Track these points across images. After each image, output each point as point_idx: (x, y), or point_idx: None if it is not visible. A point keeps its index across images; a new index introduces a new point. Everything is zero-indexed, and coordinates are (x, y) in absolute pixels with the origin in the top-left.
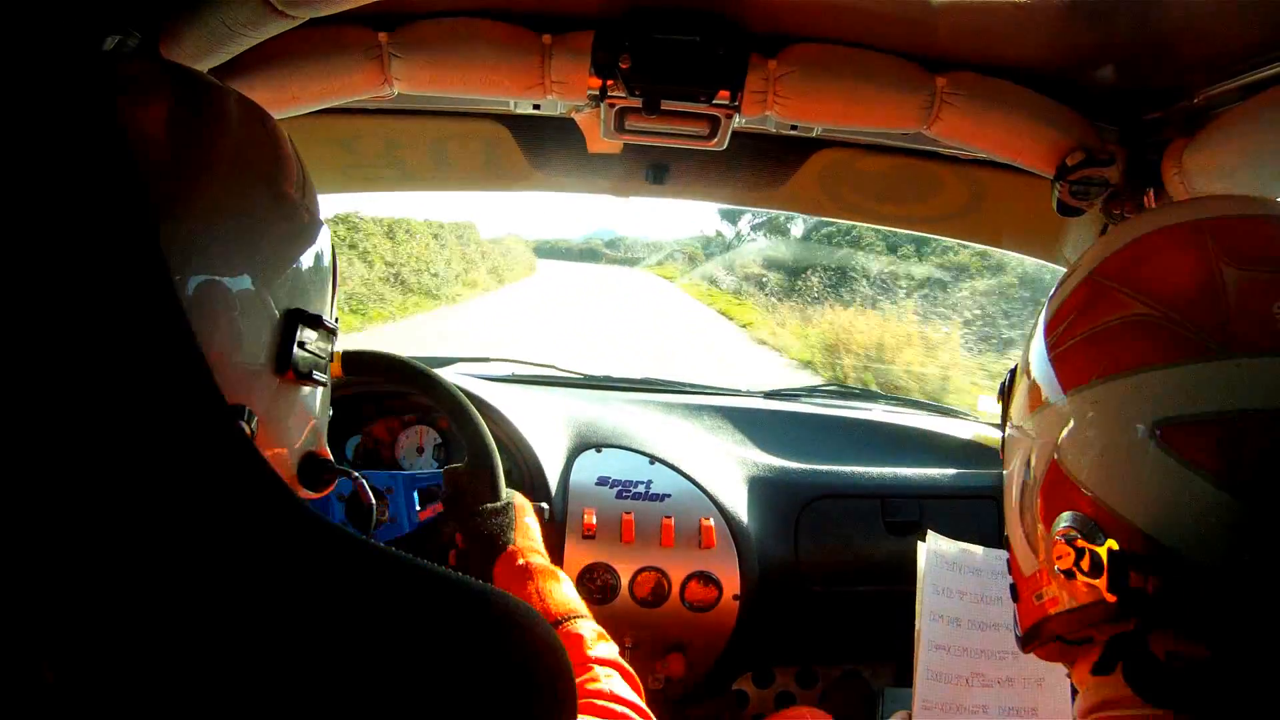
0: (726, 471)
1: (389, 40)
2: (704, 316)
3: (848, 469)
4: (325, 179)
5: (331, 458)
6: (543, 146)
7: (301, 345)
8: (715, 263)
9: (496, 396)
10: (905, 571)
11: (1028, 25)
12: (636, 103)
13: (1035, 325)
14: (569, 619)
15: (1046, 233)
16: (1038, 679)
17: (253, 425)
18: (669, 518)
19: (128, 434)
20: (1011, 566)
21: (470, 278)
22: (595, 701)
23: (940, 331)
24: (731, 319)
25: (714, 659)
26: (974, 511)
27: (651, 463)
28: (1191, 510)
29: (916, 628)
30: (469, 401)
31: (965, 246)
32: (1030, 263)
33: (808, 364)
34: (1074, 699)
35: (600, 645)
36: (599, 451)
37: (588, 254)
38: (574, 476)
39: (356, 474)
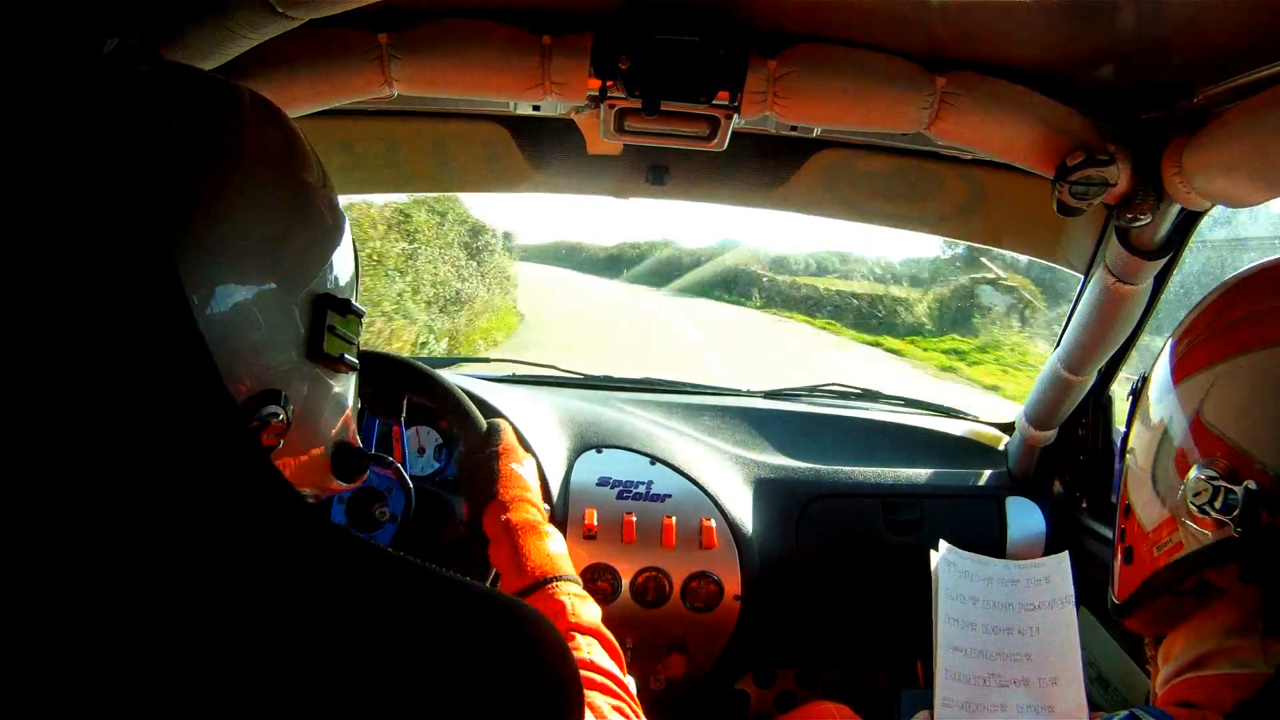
0: (727, 472)
1: (389, 41)
2: None
3: (848, 469)
4: None
5: (361, 446)
6: (542, 147)
7: (331, 329)
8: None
9: (497, 397)
10: (906, 571)
11: (1028, 25)
12: (636, 103)
13: (1178, 328)
14: (548, 581)
15: (1046, 233)
16: (1052, 678)
17: (288, 411)
18: (670, 518)
19: (134, 438)
20: (1127, 533)
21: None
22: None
23: None
24: None
25: (715, 659)
26: (974, 511)
27: (652, 463)
28: None
29: (935, 633)
30: (465, 395)
31: None
32: None
33: None
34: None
35: (583, 609)
36: (600, 452)
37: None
38: (575, 477)
39: (390, 459)
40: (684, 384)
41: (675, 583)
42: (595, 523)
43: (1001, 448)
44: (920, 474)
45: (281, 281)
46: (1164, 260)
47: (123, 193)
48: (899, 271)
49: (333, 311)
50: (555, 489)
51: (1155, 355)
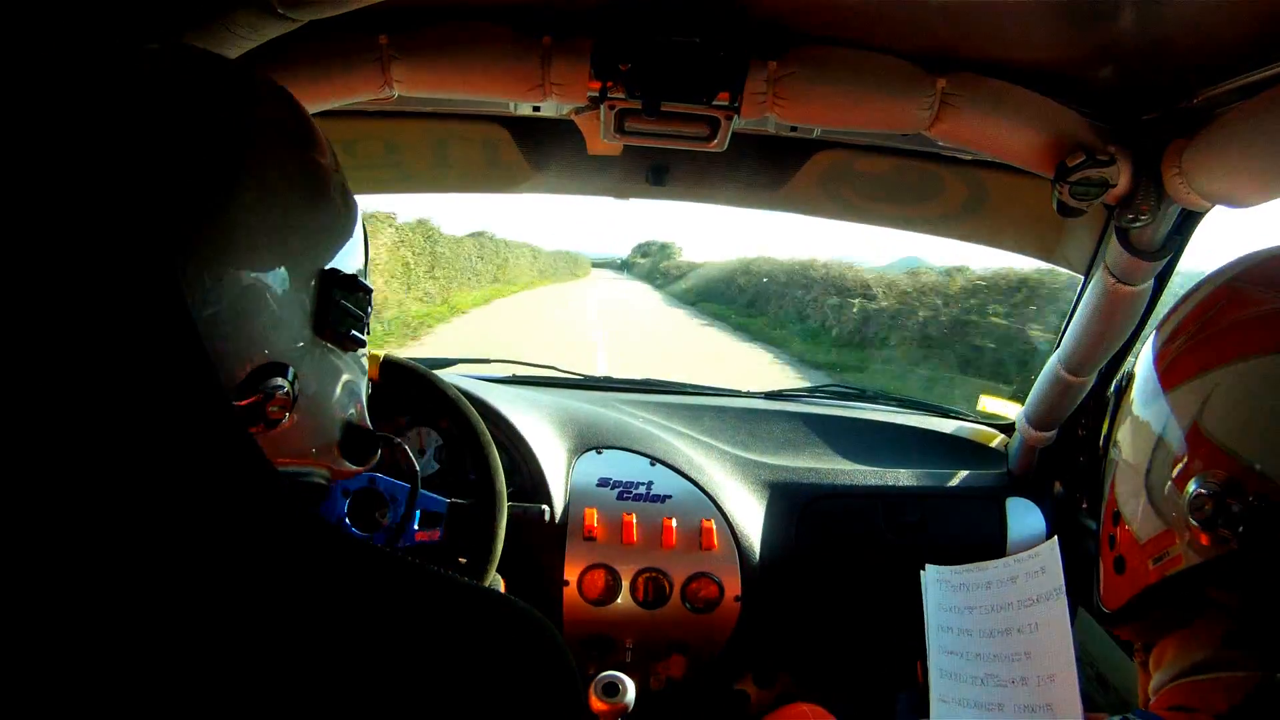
0: (727, 472)
1: (389, 42)
2: None
3: (848, 469)
4: None
5: (371, 428)
6: (542, 148)
7: (338, 304)
8: None
9: (498, 398)
10: (906, 572)
11: (1028, 26)
12: (636, 104)
13: (1164, 323)
14: None
15: (1046, 233)
16: (1049, 675)
17: (293, 385)
18: (670, 519)
19: (128, 432)
20: (1116, 540)
21: None
22: None
23: None
24: None
25: (715, 660)
26: (974, 511)
27: (652, 464)
28: None
29: (927, 646)
30: (490, 438)
31: None
32: None
33: None
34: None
35: None
36: (600, 453)
37: None
38: (575, 478)
39: (398, 439)
40: (684, 385)
41: (675, 583)
42: (595, 523)
43: (1001, 448)
44: (920, 474)
45: (292, 259)
46: (1164, 261)
47: (114, 175)
48: None
49: (341, 288)
50: (555, 490)
51: (1139, 348)
